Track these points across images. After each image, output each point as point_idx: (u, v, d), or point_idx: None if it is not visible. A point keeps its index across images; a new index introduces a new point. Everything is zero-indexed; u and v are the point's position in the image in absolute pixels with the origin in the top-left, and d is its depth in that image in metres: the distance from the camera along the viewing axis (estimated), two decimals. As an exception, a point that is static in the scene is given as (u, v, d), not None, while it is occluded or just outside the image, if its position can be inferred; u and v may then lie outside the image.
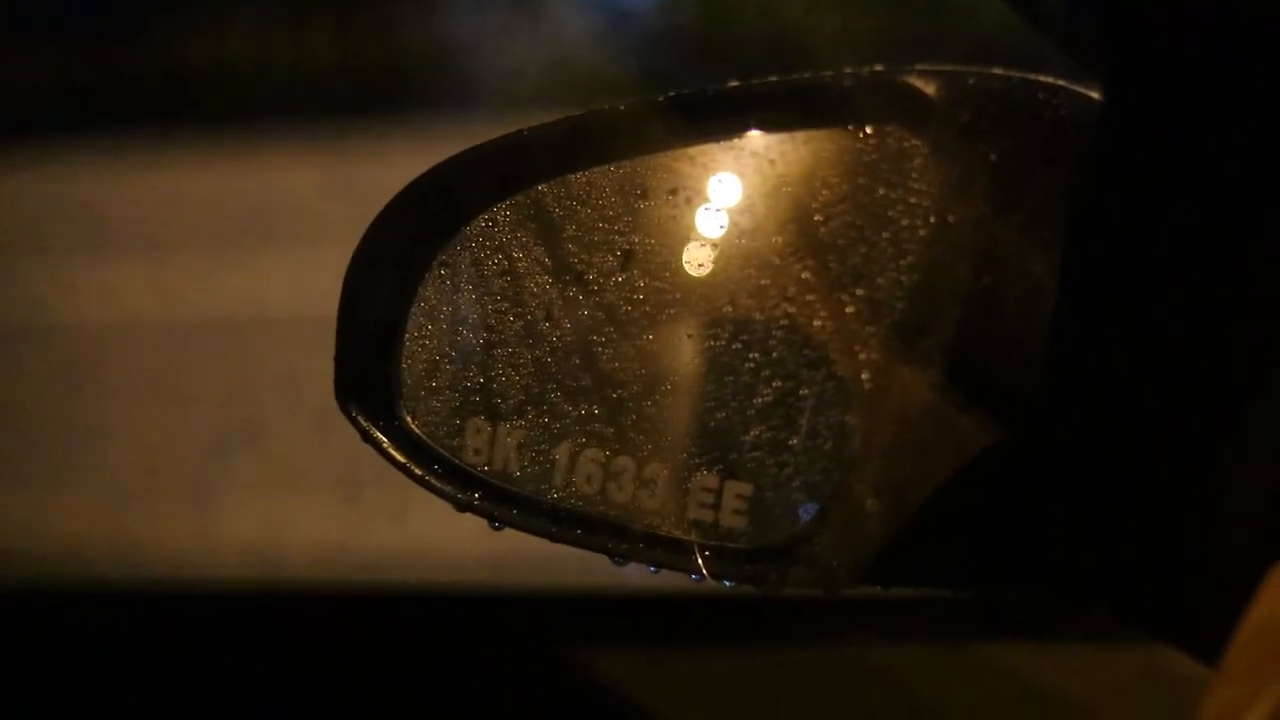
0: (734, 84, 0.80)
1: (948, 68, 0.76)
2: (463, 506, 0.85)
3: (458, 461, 0.86)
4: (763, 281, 0.78)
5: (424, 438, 0.86)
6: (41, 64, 5.08)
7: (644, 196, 0.82)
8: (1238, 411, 0.72)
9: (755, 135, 0.79)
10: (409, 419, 0.87)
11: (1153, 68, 0.72)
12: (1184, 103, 0.71)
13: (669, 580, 0.84)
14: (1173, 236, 0.73)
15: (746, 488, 0.79)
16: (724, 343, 0.79)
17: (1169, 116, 0.72)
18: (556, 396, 0.83)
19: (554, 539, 0.83)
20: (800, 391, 0.77)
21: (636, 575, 0.84)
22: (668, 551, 0.81)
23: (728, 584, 0.80)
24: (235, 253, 4.08)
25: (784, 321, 0.77)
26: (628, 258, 0.82)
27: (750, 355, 0.78)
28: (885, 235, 0.75)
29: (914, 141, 0.75)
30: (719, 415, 0.79)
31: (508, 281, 0.84)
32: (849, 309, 0.75)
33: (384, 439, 0.86)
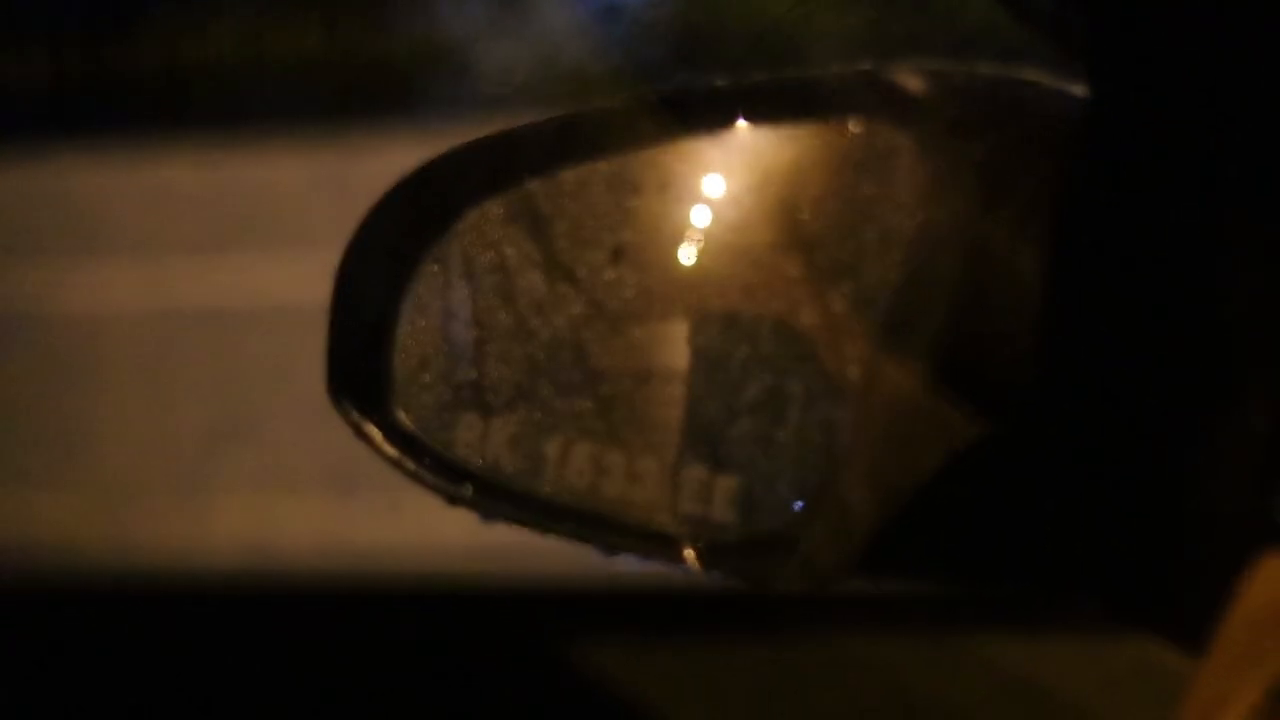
0: (722, 81, 0.80)
1: (935, 65, 0.76)
2: (454, 501, 0.85)
3: (450, 456, 0.86)
4: (751, 277, 0.78)
5: (416, 433, 0.86)
6: (34, 62, 5.07)
7: (634, 192, 0.82)
8: (1229, 405, 0.72)
9: (743, 131, 0.79)
10: (401, 414, 0.87)
11: (1140, 62, 0.72)
12: (1172, 97, 0.72)
13: (660, 574, 0.84)
14: (1162, 230, 0.73)
15: (736, 482, 0.79)
16: (713, 337, 0.79)
17: (1156, 111, 0.72)
18: (548, 392, 0.83)
19: (545, 533, 0.83)
20: (789, 386, 0.77)
21: (628, 569, 0.84)
22: (659, 545, 0.81)
23: (718, 578, 0.80)
24: (228, 249, 4.07)
25: (772, 316, 0.78)
26: (618, 253, 0.82)
27: (739, 350, 0.78)
28: (872, 231, 0.75)
29: (901, 138, 0.75)
30: (709, 409, 0.79)
31: (499, 277, 0.84)
32: (836, 304, 0.76)
33: (376, 434, 0.86)
